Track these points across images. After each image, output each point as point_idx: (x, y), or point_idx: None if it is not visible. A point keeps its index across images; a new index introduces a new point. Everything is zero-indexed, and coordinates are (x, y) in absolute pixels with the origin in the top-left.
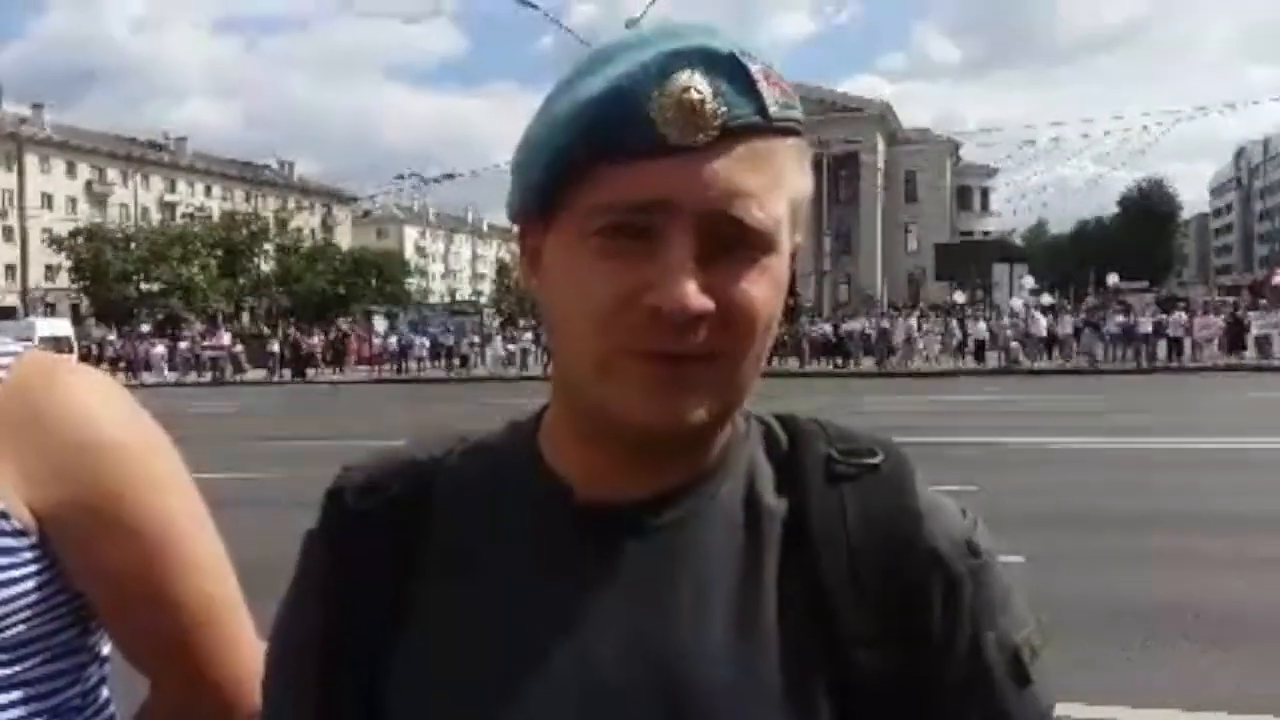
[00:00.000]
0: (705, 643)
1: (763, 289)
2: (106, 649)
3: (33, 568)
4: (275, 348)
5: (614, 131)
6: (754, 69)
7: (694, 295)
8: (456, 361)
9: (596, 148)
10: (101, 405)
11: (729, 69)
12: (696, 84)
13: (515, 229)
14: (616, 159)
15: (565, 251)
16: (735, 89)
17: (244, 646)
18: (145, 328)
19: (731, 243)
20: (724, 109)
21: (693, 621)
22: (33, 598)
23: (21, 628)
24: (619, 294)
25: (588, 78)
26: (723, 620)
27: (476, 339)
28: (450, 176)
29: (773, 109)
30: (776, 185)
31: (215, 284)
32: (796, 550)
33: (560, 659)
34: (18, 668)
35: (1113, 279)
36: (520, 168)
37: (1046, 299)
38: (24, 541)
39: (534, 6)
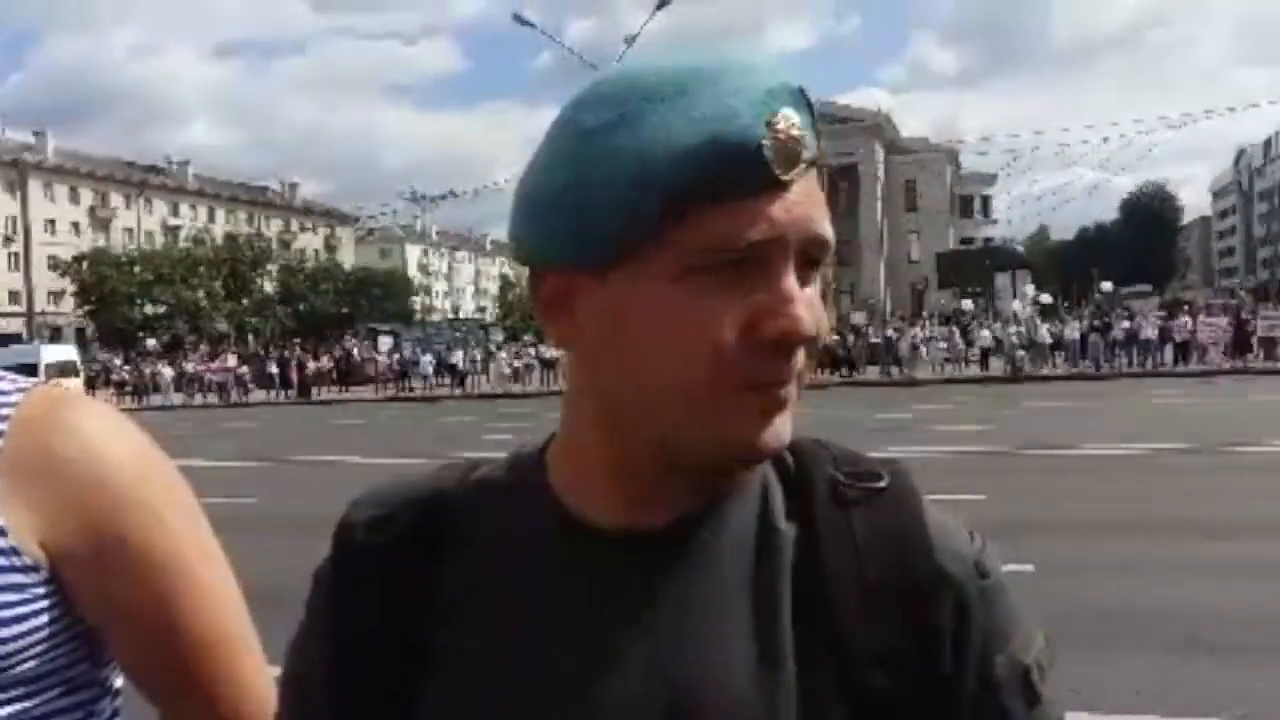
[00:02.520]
0: (723, 670)
1: (825, 305)
2: (119, 682)
3: (44, 603)
4: (274, 369)
5: (726, 171)
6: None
7: (810, 319)
8: (466, 379)
9: (703, 188)
10: (110, 439)
11: (806, 105)
12: (796, 120)
13: (528, 271)
14: (723, 198)
15: (650, 295)
16: (810, 124)
17: (254, 678)
18: (150, 342)
19: (809, 267)
20: (810, 143)
21: (710, 649)
22: (44, 633)
23: (34, 663)
24: (738, 326)
25: (655, 116)
26: (739, 647)
27: (479, 355)
28: (452, 195)
29: (820, 141)
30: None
31: (220, 305)
32: (807, 575)
33: (579, 689)
34: (30, 703)
35: (1122, 288)
36: (566, 212)
37: (1045, 298)
38: (35, 577)
39: (531, 25)
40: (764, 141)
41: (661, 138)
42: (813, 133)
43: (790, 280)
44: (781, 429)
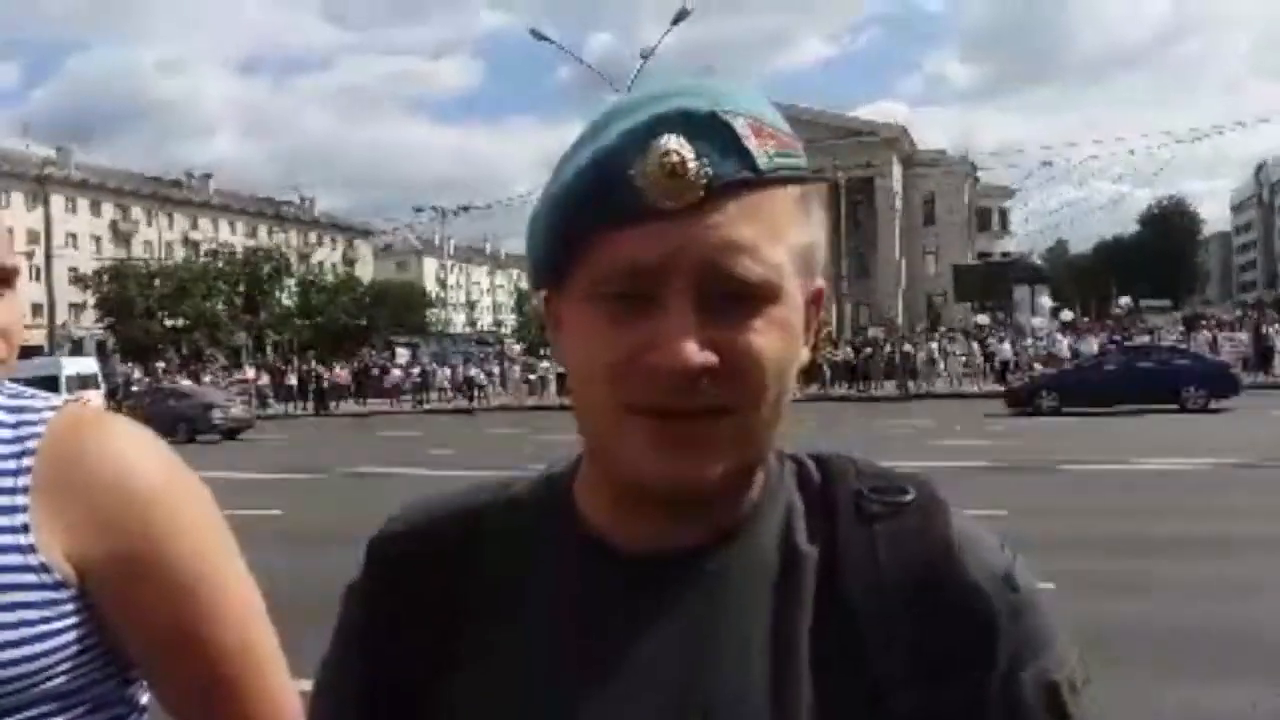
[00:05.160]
0: (745, 694)
1: (769, 338)
2: (145, 699)
3: (73, 619)
4: (294, 380)
5: (602, 201)
6: (739, 125)
7: (693, 352)
8: (476, 392)
9: (588, 218)
10: (138, 458)
11: (710, 128)
12: (678, 147)
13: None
14: (608, 227)
15: (576, 316)
16: (718, 148)
17: (280, 692)
18: (166, 358)
19: (731, 297)
20: (708, 169)
21: (732, 673)
22: (73, 649)
23: (62, 679)
24: (622, 355)
25: (583, 150)
26: (761, 670)
27: (497, 369)
28: (468, 209)
29: (762, 162)
30: (773, 235)
31: (238, 318)
32: (830, 594)
33: (601, 712)
34: (58, 719)
35: (1142, 301)
36: (529, 239)
37: (1066, 314)
38: (64, 594)
39: (549, 40)
40: (633, 170)
41: (573, 167)
42: (729, 157)
43: (675, 311)
44: (692, 462)
